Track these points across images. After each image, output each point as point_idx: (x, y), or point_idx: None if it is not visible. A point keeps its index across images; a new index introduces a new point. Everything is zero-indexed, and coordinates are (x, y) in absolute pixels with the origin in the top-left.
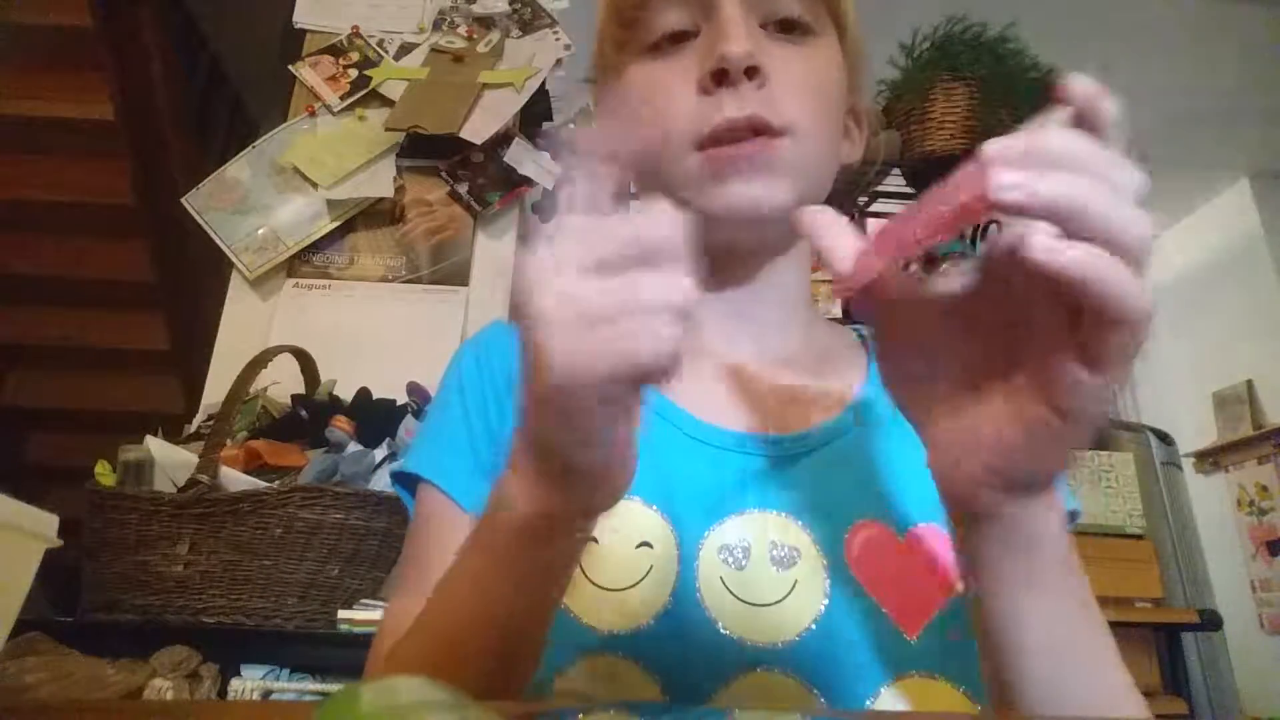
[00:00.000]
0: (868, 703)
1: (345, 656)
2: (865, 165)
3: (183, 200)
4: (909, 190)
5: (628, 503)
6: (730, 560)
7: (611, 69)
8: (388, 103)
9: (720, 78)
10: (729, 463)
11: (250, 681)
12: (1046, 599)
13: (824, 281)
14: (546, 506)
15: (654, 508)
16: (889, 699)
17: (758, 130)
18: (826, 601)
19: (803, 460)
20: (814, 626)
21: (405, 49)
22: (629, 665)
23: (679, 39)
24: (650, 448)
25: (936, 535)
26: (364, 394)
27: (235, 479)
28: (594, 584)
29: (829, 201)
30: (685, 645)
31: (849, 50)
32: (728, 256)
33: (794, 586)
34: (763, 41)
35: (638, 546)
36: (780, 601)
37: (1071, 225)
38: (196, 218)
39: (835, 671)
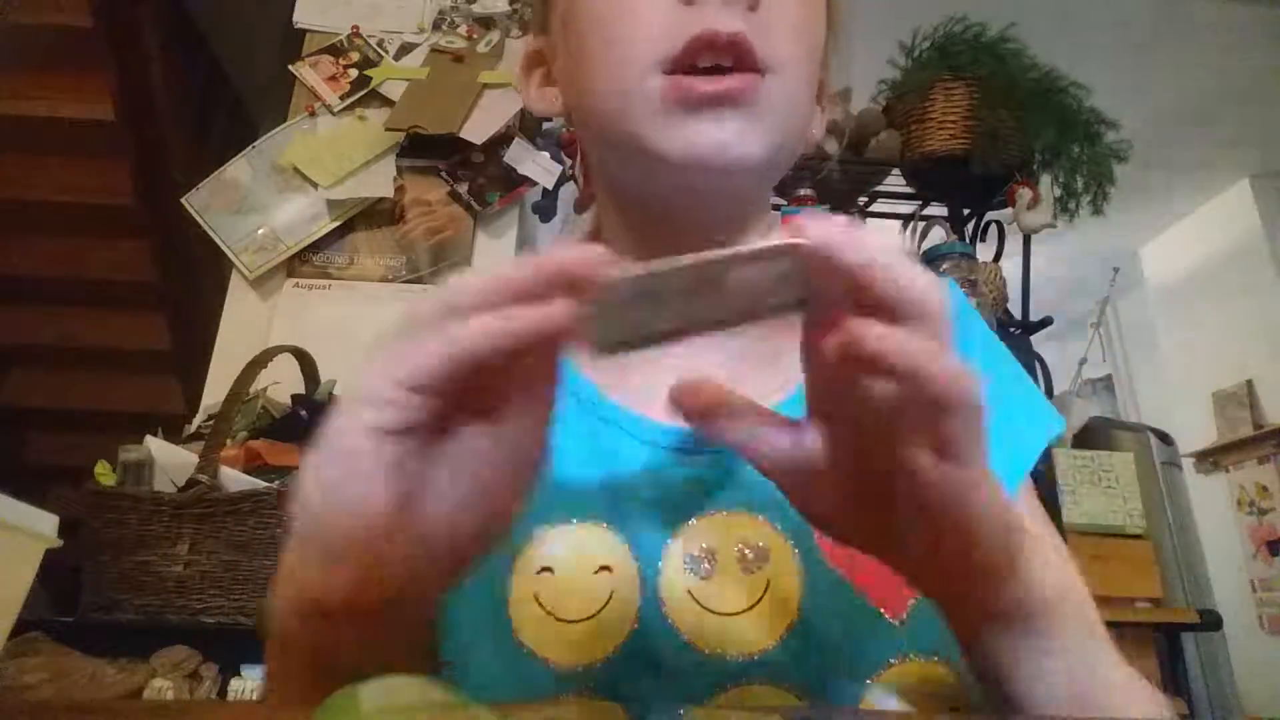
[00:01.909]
0: (862, 694)
1: None
2: (866, 165)
3: (183, 200)
4: (909, 190)
5: (583, 525)
6: (696, 570)
7: None
8: (388, 103)
9: None
10: (682, 464)
11: (250, 681)
12: (1058, 656)
13: None
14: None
15: (608, 526)
16: (883, 689)
17: (740, 55)
18: (802, 599)
19: None
20: (792, 628)
21: (405, 49)
22: (600, 700)
23: None
24: (599, 459)
25: None
26: None
27: (235, 479)
28: (556, 619)
29: (830, 200)
30: (658, 669)
31: (833, 17)
32: (678, 233)
33: (767, 587)
34: None
35: (596, 572)
36: (754, 606)
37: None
38: (196, 218)
39: (821, 671)
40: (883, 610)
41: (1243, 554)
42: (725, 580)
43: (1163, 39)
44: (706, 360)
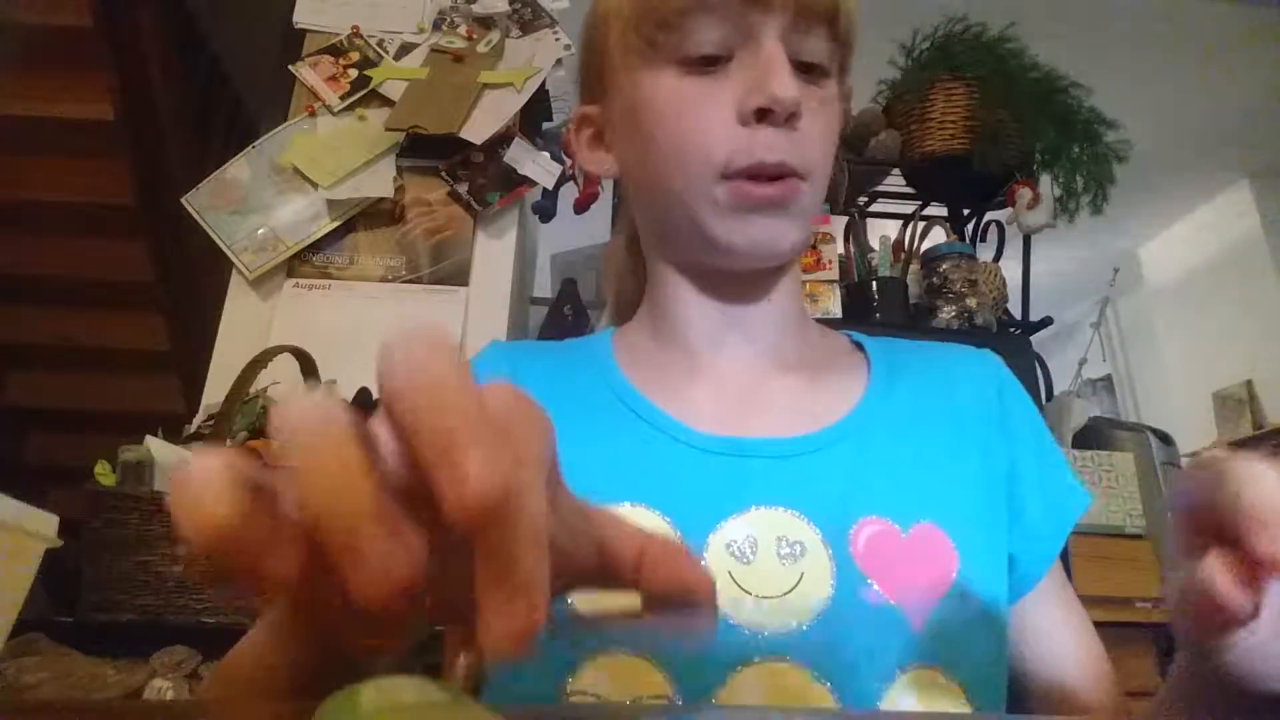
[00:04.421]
0: (878, 691)
1: None
2: (866, 165)
3: (183, 200)
4: (909, 190)
5: (631, 508)
6: (737, 555)
7: (633, 59)
8: (388, 103)
9: (763, 115)
10: (730, 466)
11: None
12: None
13: (824, 281)
14: None
15: (656, 511)
16: (900, 689)
17: (784, 172)
18: (832, 593)
19: (805, 460)
20: (820, 617)
21: (405, 49)
22: (638, 661)
23: (711, 61)
24: (650, 457)
25: (935, 533)
26: (364, 394)
27: None
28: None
29: (830, 200)
30: (695, 637)
31: (844, 90)
32: (725, 276)
33: (800, 579)
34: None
35: None
36: (787, 594)
37: None
38: (196, 218)
39: (842, 660)
40: (905, 616)
41: None
42: (763, 567)
43: (1163, 39)
44: (748, 379)
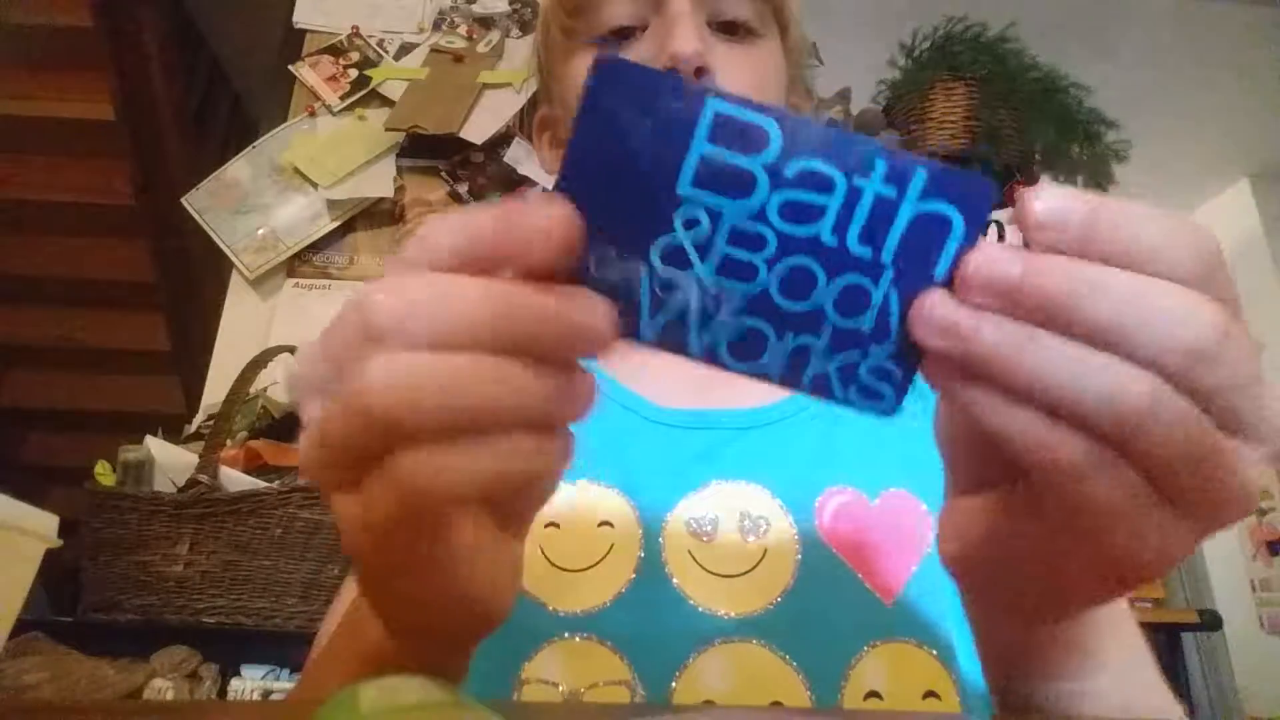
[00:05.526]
0: (847, 669)
1: None
2: None
3: (183, 200)
4: None
5: (586, 484)
6: (698, 532)
7: (558, 54)
8: (388, 103)
9: None
10: (690, 440)
11: (250, 681)
12: (1106, 675)
13: None
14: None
15: (613, 488)
16: (870, 665)
17: None
18: (797, 570)
19: (766, 431)
20: (785, 595)
21: (405, 49)
22: (595, 645)
23: (625, 34)
24: (606, 430)
25: (907, 499)
26: None
27: (235, 479)
28: (555, 566)
29: None
30: (652, 619)
31: (790, 49)
32: None
33: (764, 555)
34: (710, 40)
35: (598, 526)
36: (749, 571)
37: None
38: (196, 218)
39: (809, 639)
40: (874, 591)
41: (1242, 554)
42: (724, 544)
43: (1161, 39)
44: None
